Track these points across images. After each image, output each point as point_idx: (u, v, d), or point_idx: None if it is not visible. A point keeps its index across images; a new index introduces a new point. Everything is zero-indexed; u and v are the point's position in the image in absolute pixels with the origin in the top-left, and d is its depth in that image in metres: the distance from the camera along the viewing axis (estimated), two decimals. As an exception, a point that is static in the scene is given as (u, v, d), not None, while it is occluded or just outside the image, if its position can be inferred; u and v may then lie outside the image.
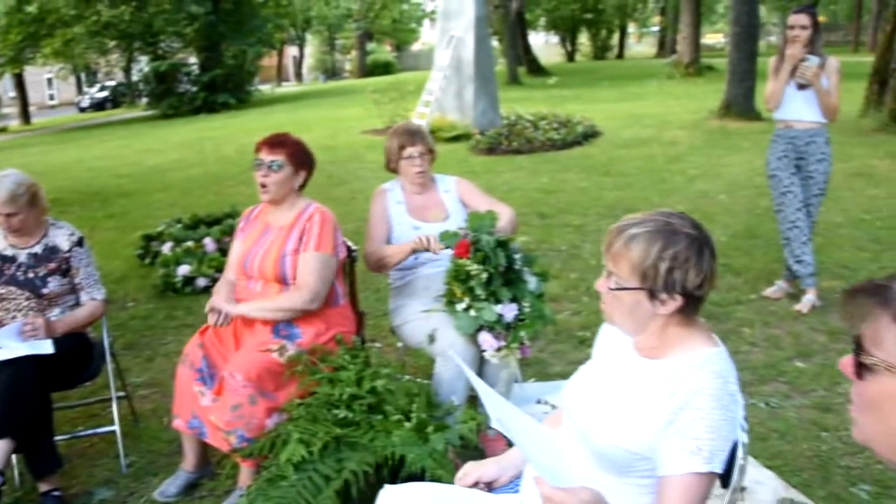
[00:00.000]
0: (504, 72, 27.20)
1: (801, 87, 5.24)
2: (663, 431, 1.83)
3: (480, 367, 3.50)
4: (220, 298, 3.53)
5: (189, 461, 3.56)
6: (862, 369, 1.26)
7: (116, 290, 6.64)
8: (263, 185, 3.49)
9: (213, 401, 3.28)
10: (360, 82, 31.64)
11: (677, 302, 1.88)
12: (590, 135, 14.01)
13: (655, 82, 24.69)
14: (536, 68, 33.03)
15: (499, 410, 1.69)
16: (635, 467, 1.90)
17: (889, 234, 7.35)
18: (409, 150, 3.88)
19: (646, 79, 26.02)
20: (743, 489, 3.43)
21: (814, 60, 5.15)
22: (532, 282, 3.40)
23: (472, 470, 2.26)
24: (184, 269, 6.44)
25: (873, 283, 1.26)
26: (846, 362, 1.29)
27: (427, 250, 3.61)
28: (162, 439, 4.04)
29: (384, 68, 45.38)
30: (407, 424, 2.88)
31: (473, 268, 3.26)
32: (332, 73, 54.07)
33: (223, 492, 3.50)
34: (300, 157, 3.55)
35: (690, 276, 1.86)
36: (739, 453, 1.93)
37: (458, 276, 3.30)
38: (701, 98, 18.66)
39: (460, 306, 3.29)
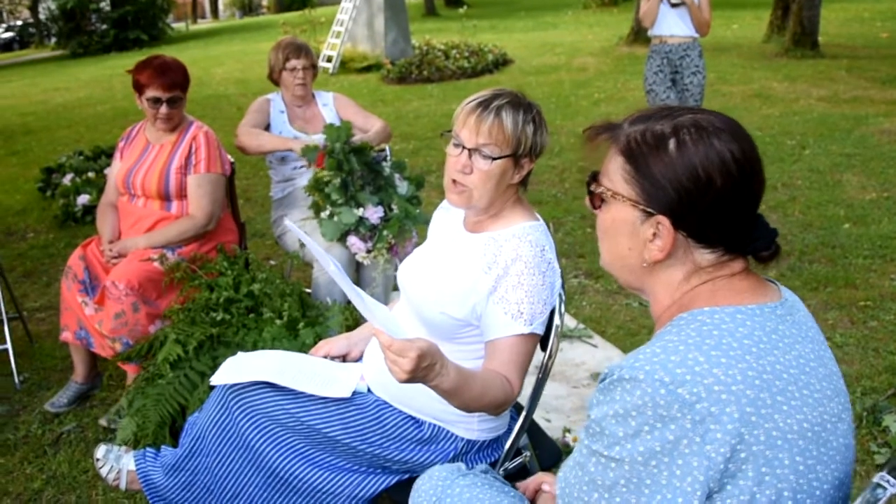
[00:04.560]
0: (421, 3, 26.96)
1: (674, 5, 5.43)
2: (487, 299, 2.00)
3: (357, 270, 3.65)
4: (110, 236, 3.57)
5: (79, 372, 3.64)
6: (597, 200, 1.37)
7: (17, 223, 6.63)
8: (166, 119, 3.54)
9: (97, 310, 3.36)
10: (277, 17, 30.99)
11: (531, 166, 2.06)
12: (500, 63, 14.10)
13: (571, 12, 24.74)
14: (454, 0, 32.68)
15: (336, 265, 1.78)
16: (461, 333, 2.08)
17: (776, 148, 7.67)
18: (293, 63, 3.99)
19: (563, 9, 26.03)
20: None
21: (686, -22, 5.35)
22: (402, 186, 3.54)
23: (323, 344, 2.43)
24: (83, 199, 6.43)
25: (608, 121, 1.36)
26: (587, 199, 1.40)
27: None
28: (56, 356, 4.12)
29: (302, 2, 44.30)
30: (278, 322, 3.02)
31: (326, 175, 3.39)
32: (248, 8, 52.73)
33: (113, 401, 3.60)
34: (187, 84, 3.61)
35: (546, 138, 2.07)
36: (556, 320, 2.11)
37: (318, 186, 3.43)
38: (614, 27, 18.80)
39: (324, 214, 3.43)
